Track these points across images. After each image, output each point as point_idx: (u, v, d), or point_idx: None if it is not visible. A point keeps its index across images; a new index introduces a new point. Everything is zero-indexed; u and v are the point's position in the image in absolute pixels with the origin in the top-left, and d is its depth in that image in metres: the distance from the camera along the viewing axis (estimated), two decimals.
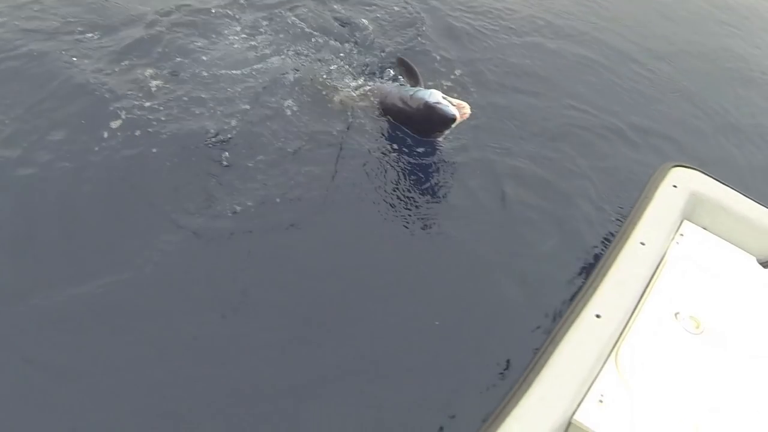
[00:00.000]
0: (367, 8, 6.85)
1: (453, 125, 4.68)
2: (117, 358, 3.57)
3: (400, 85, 5.37)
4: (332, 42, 6.19)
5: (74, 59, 5.44)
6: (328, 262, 4.28)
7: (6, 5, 6.00)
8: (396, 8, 6.94)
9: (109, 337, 3.68)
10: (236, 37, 6.04)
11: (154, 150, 4.72)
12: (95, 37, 5.76)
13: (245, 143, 4.90)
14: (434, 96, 4.73)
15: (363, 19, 6.59)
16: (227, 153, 4.78)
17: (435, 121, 4.74)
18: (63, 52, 5.49)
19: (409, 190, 4.84)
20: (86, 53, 5.55)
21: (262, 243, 4.31)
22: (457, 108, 4.62)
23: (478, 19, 7.17)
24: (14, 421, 3.28)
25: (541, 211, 4.89)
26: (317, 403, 3.54)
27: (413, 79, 5.34)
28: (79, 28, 5.82)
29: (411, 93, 4.96)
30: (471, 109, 4.76)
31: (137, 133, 4.82)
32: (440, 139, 5.10)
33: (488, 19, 7.21)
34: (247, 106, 5.20)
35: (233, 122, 5.04)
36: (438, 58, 6.29)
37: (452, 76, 6.07)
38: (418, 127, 5.01)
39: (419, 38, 6.53)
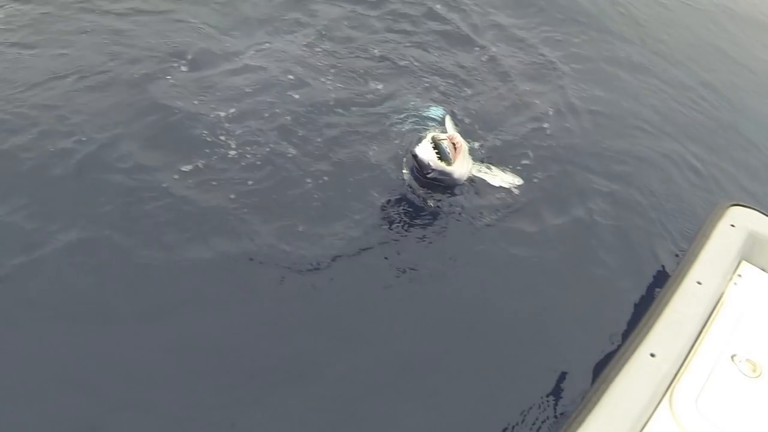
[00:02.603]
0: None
1: (432, 163, 4.66)
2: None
3: None
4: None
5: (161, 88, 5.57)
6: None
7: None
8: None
9: None
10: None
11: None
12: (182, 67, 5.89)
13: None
14: (422, 141, 4.76)
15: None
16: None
17: (416, 164, 4.80)
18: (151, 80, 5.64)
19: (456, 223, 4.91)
20: (174, 83, 5.69)
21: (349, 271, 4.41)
22: (449, 140, 4.69)
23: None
24: None
25: (596, 241, 4.92)
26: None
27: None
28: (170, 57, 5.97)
29: None
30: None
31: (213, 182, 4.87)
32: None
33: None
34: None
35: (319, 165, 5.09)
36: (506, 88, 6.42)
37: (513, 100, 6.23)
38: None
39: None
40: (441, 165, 4.69)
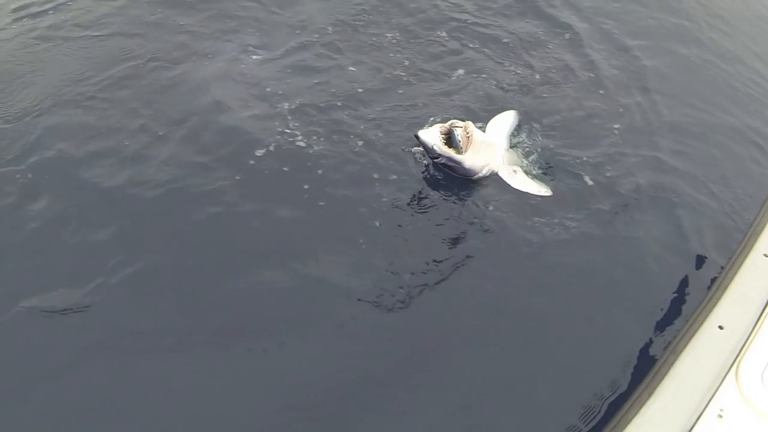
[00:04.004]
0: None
1: (436, 147, 4.68)
2: None
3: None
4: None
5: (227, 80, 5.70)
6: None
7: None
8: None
9: None
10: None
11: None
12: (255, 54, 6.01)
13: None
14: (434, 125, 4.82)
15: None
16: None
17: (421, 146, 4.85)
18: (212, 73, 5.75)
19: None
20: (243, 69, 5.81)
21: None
22: (464, 129, 4.69)
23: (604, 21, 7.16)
24: None
25: (662, 217, 4.90)
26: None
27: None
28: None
29: None
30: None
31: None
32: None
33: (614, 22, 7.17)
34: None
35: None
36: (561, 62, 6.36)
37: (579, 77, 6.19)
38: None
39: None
40: (447, 151, 4.70)
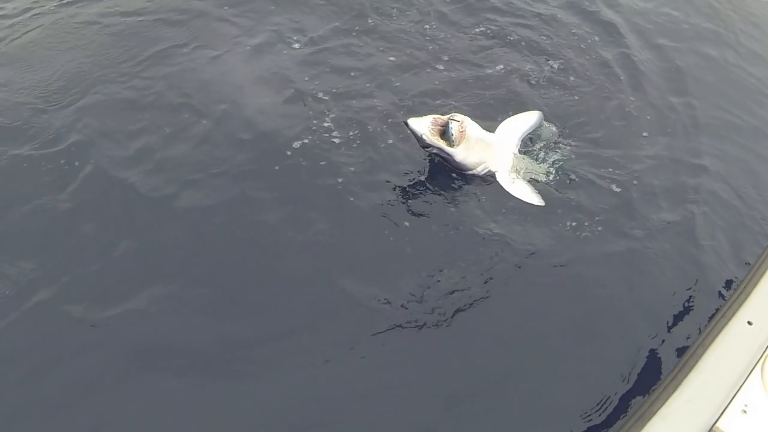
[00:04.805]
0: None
1: (425, 137, 4.69)
2: None
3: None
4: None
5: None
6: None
7: None
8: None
9: None
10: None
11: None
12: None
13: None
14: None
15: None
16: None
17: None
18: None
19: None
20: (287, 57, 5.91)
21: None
22: (459, 124, 4.69)
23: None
24: None
25: (690, 221, 4.93)
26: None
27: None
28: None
29: None
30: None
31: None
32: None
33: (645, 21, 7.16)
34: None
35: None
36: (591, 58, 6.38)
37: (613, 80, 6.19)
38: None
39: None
40: (437, 142, 4.72)
